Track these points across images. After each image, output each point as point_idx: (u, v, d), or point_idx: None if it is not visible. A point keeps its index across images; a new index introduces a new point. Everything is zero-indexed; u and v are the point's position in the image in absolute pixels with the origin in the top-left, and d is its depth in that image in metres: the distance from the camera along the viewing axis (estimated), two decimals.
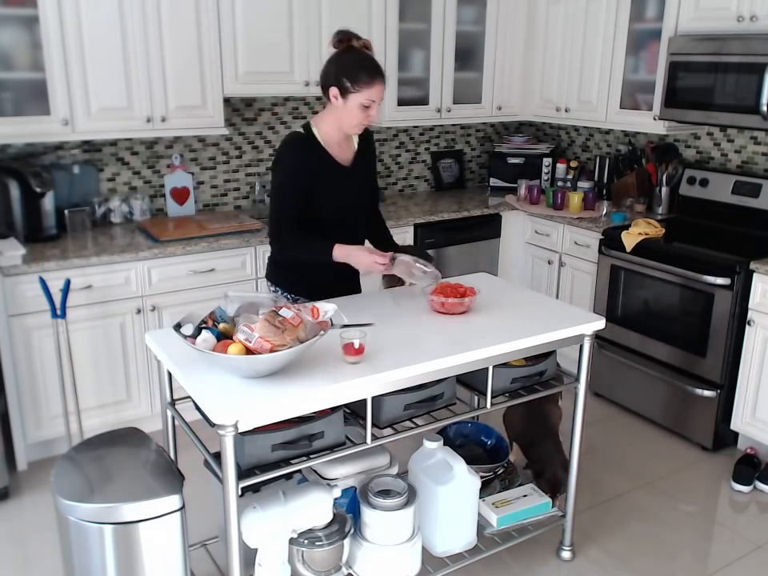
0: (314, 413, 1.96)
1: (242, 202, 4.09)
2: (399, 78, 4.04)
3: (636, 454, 3.39)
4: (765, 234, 3.53)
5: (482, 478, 2.45)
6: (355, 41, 2.36)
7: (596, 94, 4.07)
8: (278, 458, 1.93)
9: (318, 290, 2.51)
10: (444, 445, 2.41)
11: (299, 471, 2.25)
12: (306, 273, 2.57)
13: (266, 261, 2.71)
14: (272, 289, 2.67)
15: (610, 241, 3.69)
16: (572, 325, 2.35)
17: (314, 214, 2.48)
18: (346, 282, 2.66)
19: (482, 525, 2.47)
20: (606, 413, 3.78)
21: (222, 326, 1.96)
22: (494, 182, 4.73)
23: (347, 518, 2.14)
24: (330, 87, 2.36)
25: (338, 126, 2.44)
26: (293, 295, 2.60)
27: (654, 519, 2.91)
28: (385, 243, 2.71)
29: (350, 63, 2.33)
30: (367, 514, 2.17)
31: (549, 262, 4.14)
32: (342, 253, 2.42)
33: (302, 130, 2.47)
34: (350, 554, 2.17)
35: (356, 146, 2.56)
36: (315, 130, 2.46)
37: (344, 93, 2.34)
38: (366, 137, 2.60)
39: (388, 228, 2.79)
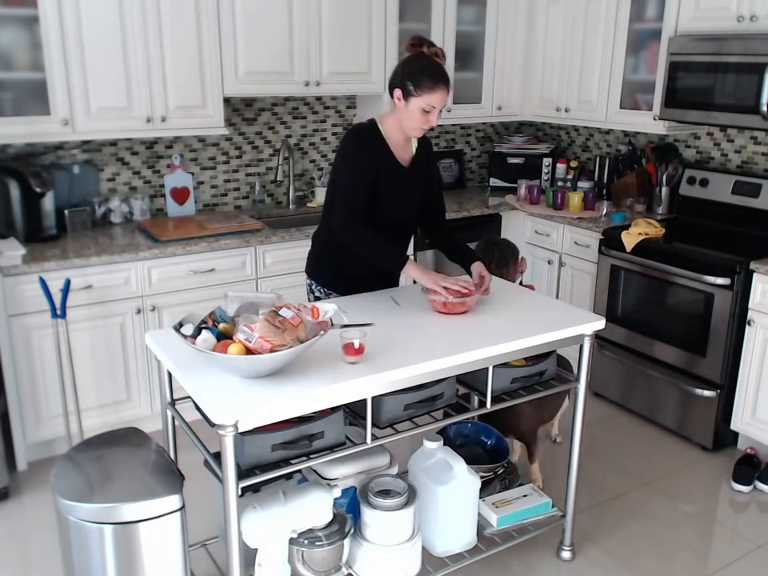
0: (314, 413, 1.96)
1: (242, 202, 4.09)
2: None
3: (636, 454, 3.39)
4: (765, 233, 3.53)
5: (482, 478, 2.45)
6: (427, 47, 2.39)
7: (596, 94, 4.07)
8: (278, 457, 1.93)
9: (355, 284, 2.57)
10: (444, 445, 2.41)
11: (299, 471, 2.25)
12: (344, 269, 2.61)
13: (306, 256, 2.76)
14: (308, 282, 2.73)
15: (610, 241, 3.69)
16: (572, 325, 2.35)
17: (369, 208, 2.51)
18: (383, 277, 2.64)
19: (481, 525, 2.48)
20: (606, 413, 3.78)
21: (221, 326, 1.96)
22: (493, 182, 4.73)
23: (347, 518, 2.14)
24: (395, 89, 2.41)
25: (399, 127, 2.48)
26: (326, 289, 2.67)
27: (654, 519, 2.91)
28: (457, 254, 2.72)
29: (417, 68, 2.37)
30: (367, 514, 2.17)
31: (549, 262, 4.14)
32: (416, 272, 2.42)
33: (365, 123, 2.52)
34: (350, 554, 2.17)
35: (414, 150, 2.59)
36: (379, 126, 2.50)
37: (406, 95, 2.38)
38: (426, 144, 2.63)
39: (458, 240, 2.77)
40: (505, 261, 3.08)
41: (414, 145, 2.60)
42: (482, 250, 3.13)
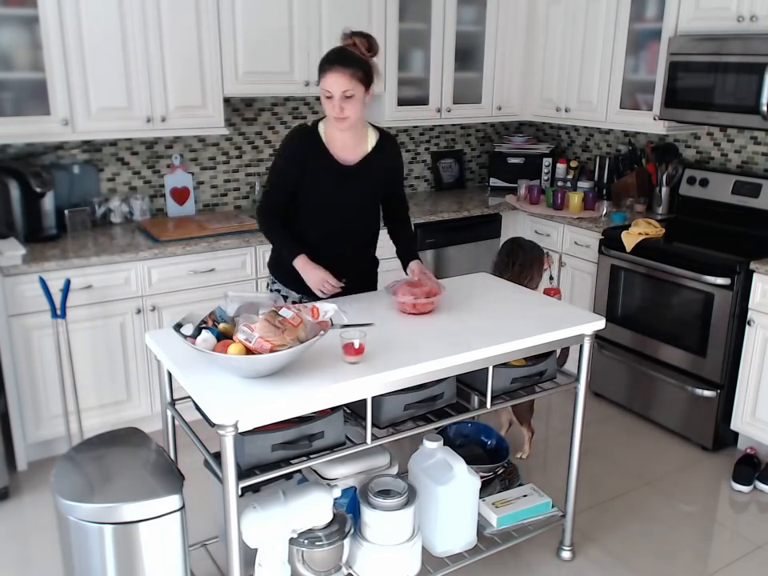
0: (313, 413, 1.96)
1: (241, 202, 4.09)
2: (399, 78, 4.03)
3: (636, 454, 3.39)
4: (765, 233, 3.53)
5: (482, 478, 2.45)
6: (343, 39, 2.40)
7: (596, 94, 4.07)
8: (278, 457, 1.93)
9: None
10: (444, 445, 2.41)
11: (299, 471, 2.25)
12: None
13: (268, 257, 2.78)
14: (269, 278, 2.74)
15: (610, 241, 3.69)
16: (572, 325, 2.35)
17: (302, 205, 2.54)
18: (353, 281, 2.59)
19: (482, 525, 2.48)
20: (606, 413, 3.78)
21: (221, 326, 1.96)
22: (493, 182, 4.73)
23: (347, 517, 2.14)
24: None
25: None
26: (286, 288, 2.67)
27: (654, 519, 2.91)
28: (403, 252, 2.70)
29: (324, 55, 2.40)
30: (367, 513, 2.17)
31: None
32: (300, 264, 2.50)
33: (308, 123, 2.54)
34: (350, 554, 2.17)
35: (369, 147, 2.56)
36: (321, 125, 2.51)
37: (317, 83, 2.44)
38: (386, 142, 2.59)
39: (412, 242, 2.76)
40: (529, 263, 3.06)
41: (372, 143, 2.55)
42: (505, 253, 3.12)
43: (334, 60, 2.34)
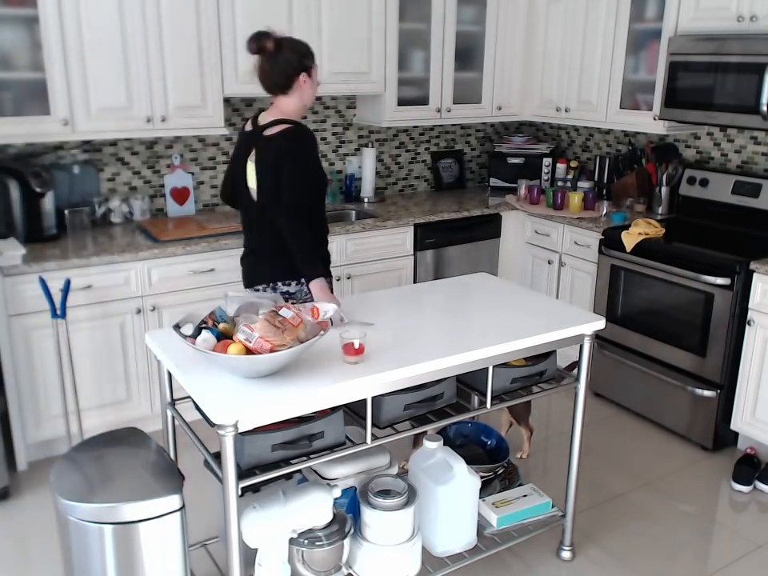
0: (313, 413, 1.96)
1: None
2: (399, 77, 4.03)
3: (636, 454, 3.39)
4: (765, 233, 3.53)
5: (482, 478, 2.45)
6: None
7: (596, 94, 4.07)
8: (278, 457, 1.93)
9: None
10: (444, 445, 2.41)
11: (299, 471, 2.25)
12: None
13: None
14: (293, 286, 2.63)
15: (610, 241, 3.69)
16: (572, 325, 2.35)
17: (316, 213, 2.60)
18: None
19: (482, 525, 2.48)
20: (606, 413, 3.78)
21: (221, 326, 1.96)
22: (494, 182, 4.73)
23: (347, 518, 2.14)
24: (299, 74, 2.57)
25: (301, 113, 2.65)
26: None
27: (654, 519, 2.91)
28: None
29: (307, 44, 2.61)
30: (367, 513, 2.17)
31: (549, 262, 4.14)
32: (320, 286, 2.46)
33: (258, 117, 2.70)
34: (350, 554, 2.17)
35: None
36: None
37: (310, 71, 2.63)
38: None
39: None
40: None
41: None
42: None
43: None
